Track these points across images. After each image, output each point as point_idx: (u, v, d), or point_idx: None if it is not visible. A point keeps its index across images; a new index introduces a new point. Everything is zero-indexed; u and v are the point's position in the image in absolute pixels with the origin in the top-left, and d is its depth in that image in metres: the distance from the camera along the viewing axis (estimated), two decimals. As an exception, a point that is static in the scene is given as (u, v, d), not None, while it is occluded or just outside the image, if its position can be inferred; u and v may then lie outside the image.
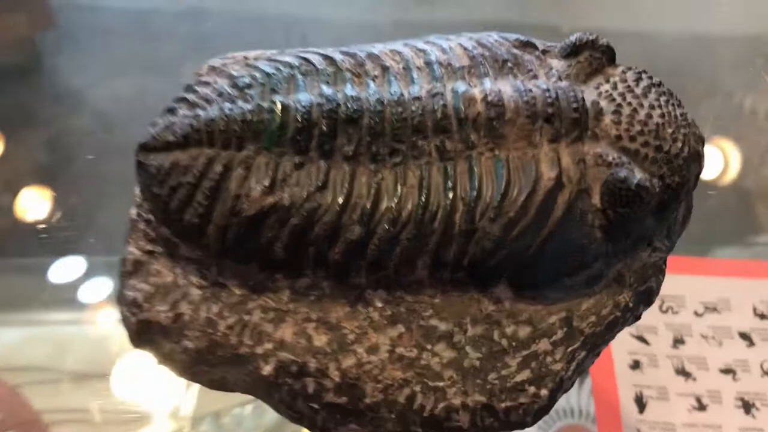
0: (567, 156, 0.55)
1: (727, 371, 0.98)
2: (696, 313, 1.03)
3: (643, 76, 0.60)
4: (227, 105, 0.57)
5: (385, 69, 0.59)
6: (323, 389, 0.56)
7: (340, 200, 0.54)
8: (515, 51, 0.61)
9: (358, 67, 0.60)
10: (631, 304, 0.58)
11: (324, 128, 0.55)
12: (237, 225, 0.55)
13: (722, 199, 1.26)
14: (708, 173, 1.23)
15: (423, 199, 0.54)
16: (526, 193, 0.54)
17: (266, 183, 0.55)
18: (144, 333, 0.59)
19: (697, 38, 1.49)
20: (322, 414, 0.57)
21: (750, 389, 0.96)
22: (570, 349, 0.56)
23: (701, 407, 0.95)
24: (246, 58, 0.68)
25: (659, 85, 0.60)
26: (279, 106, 0.56)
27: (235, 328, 0.56)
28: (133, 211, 0.62)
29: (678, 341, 1.01)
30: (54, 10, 1.50)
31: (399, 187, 0.54)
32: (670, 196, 0.57)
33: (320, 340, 0.56)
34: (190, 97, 0.59)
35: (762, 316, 1.03)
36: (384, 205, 0.54)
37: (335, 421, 0.58)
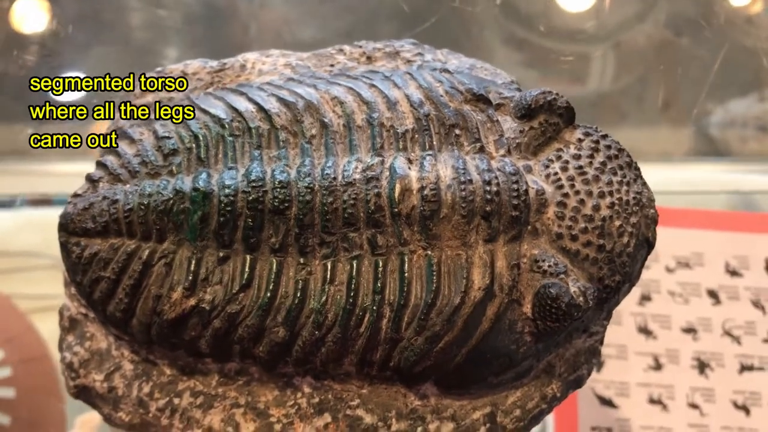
0: (502, 258, 0.53)
1: (689, 330, 0.99)
2: (667, 269, 1.03)
3: (601, 144, 0.56)
4: (147, 186, 0.55)
5: (323, 126, 0.56)
6: None
7: (265, 300, 0.53)
8: (465, 109, 0.57)
9: (294, 124, 0.57)
10: (558, 394, 0.58)
11: (249, 221, 0.53)
12: (159, 325, 0.55)
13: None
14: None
15: (350, 301, 0.53)
16: (454, 306, 0.52)
17: (186, 284, 0.53)
18: (83, 395, 0.60)
19: None
20: None
21: (708, 349, 0.98)
22: None
23: (657, 367, 0.97)
24: (184, 73, 0.65)
25: (617, 156, 0.56)
26: (201, 193, 0.54)
27: (166, 412, 0.58)
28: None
29: (645, 298, 1.01)
30: None
31: (326, 286, 0.53)
32: (609, 294, 0.55)
33: (247, 428, 0.57)
34: (111, 164, 0.57)
35: (733, 273, 1.02)
36: (310, 306, 0.53)
37: None
